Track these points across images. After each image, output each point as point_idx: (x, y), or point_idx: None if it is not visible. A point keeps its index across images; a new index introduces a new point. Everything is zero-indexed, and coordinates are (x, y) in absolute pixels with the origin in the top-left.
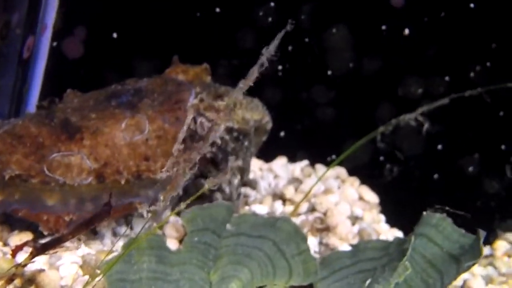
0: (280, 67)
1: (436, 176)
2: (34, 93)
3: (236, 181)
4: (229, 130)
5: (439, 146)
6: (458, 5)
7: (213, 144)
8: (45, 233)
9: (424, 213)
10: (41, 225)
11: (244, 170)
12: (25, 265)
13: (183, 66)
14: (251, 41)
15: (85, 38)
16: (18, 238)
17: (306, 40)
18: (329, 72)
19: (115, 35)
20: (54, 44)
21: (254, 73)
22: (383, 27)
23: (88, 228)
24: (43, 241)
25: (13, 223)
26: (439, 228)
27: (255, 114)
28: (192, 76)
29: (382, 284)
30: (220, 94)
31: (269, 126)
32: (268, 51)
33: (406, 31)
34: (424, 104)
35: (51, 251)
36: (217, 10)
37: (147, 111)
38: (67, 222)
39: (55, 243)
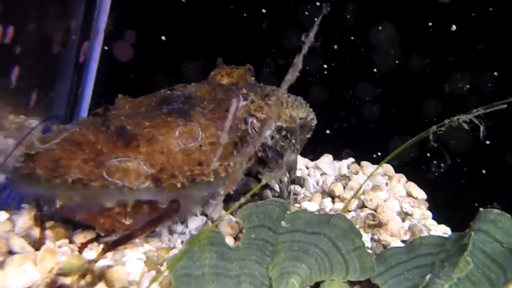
0: (325, 66)
1: (484, 171)
2: (87, 95)
3: (286, 178)
4: (278, 129)
5: (487, 142)
6: None
7: (264, 143)
8: (102, 234)
9: (481, 209)
10: (97, 227)
11: (291, 168)
12: (97, 261)
13: (228, 68)
14: (296, 41)
15: (135, 42)
16: (83, 235)
17: (352, 38)
18: (375, 70)
19: (163, 38)
20: (106, 48)
21: (299, 63)
22: (430, 23)
23: (157, 226)
24: (114, 238)
25: (76, 222)
26: (498, 224)
27: (300, 112)
28: (237, 77)
29: (444, 279)
30: (267, 94)
31: (314, 123)
32: (309, 39)
33: (454, 27)
34: (473, 99)
35: (121, 247)
36: (263, 10)
37: (199, 119)
38: (124, 224)
39: (126, 240)
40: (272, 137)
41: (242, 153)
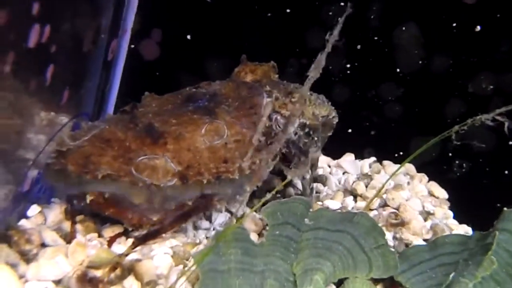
0: (349, 65)
1: (506, 172)
2: (114, 92)
3: (308, 175)
4: (302, 126)
5: (510, 142)
6: None
7: (287, 140)
8: (129, 229)
9: (505, 209)
10: (125, 222)
11: (313, 165)
12: (127, 255)
13: (251, 65)
14: (320, 41)
15: (160, 40)
16: (111, 230)
17: (376, 38)
18: (398, 70)
19: (188, 36)
20: (132, 46)
21: (322, 60)
22: (454, 24)
23: (187, 220)
24: (143, 232)
25: (105, 216)
26: None
27: (322, 110)
28: (260, 74)
29: (468, 277)
30: (290, 91)
31: (335, 121)
32: (333, 37)
33: (478, 28)
34: (496, 100)
35: (151, 242)
36: (288, 10)
37: (225, 117)
38: (151, 220)
39: (156, 235)
40: (296, 134)
41: (268, 151)
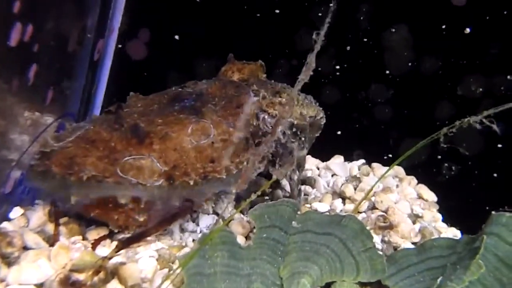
0: (338, 67)
1: (495, 175)
2: (101, 93)
3: (295, 176)
4: (289, 126)
5: (499, 145)
6: None
7: (277, 139)
8: (115, 230)
9: (493, 212)
10: (111, 224)
11: (300, 165)
12: (110, 258)
13: (239, 64)
14: (309, 42)
15: (148, 40)
16: (96, 232)
17: (365, 39)
18: (388, 72)
19: (176, 37)
20: (119, 46)
21: (312, 62)
22: (444, 26)
23: (171, 224)
24: (127, 235)
25: (90, 218)
26: (510, 227)
27: (310, 110)
28: (248, 73)
29: (456, 282)
30: (277, 91)
31: (323, 122)
32: (320, 37)
33: (467, 30)
34: (485, 103)
35: (135, 245)
36: (277, 11)
37: (211, 116)
38: (137, 220)
39: (140, 237)
40: (284, 133)
41: (255, 153)
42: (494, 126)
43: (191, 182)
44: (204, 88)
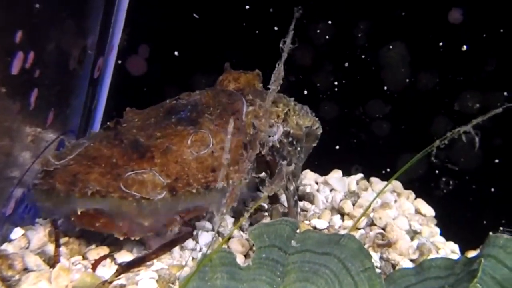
0: (337, 83)
1: (492, 189)
2: (100, 109)
3: (292, 187)
4: (285, 134)
5: (496, 160)
6: None
7: (272, 147)
8: (120, 238)
9: (491, 233)
10: (116, 231)
11: (295, 174)
12: (111, 282)
13: (235, 73)
14: (308, 58)
15: (147, 56)
16: (96, 252)
17: (363, 56)
18: (385, 87)
19: (176, 53)
20: (119, 62)
21: (281, 71)
22: (441, 43)
23: (171, 249)
24: (127, 259)
25: (90, 238)
26: (507, 249)
27: (306, 120)
28: (243, 83)
29: None
30: (273, 101)
31: (319, 132)
32: (287, 45)
33: (464, 47)
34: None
35: (135, 269)
36: (276, 28)
37: (209, 125)
38: (142, 226)
39: (140, 262)
40: (280, 141)
41: (239, 170)
42: (477, 139)
43: (194, 191)
44: (197, 98)
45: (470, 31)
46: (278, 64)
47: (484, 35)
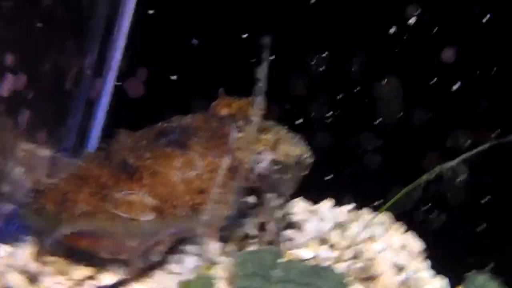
0: (330, 113)
1: (483, 226)
2: (97, 129)
3: (279, 216)
4: (275, 162)
5: (487, 197)
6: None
7: (258, 175)
8: (106, 256)
9: (468, 274)
10: (102, 251)
11: (284, 205)
12: None
13: (228, 99)
14: (303, 89)
15: (145, 79)
16: (81, 272)
17: (357, 89)
18: (379, 120)
19: (174, 77)
20: (117, 84)
21: (260, 102)
22: (434, 80)
23: (148, 274)
24: (107, 283)
25: (77, 258)
26: None
27: (297, 149)
28: (236, 109)
29: None
30: (264, 128)
31: (309, 161)
32: (263, 76)
33: (457, 85)
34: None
35: None
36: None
37: (197, 148)
38: (129, 246)
39: (118, 286)
40: (268, 169)
41: (222, 201)
42: (464, 175)
43: (183, 213)
44: (189, 121)
45: (463, 71)
46: (256, 95)
47: (478, 73)
